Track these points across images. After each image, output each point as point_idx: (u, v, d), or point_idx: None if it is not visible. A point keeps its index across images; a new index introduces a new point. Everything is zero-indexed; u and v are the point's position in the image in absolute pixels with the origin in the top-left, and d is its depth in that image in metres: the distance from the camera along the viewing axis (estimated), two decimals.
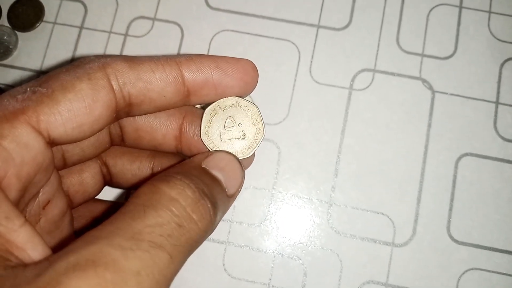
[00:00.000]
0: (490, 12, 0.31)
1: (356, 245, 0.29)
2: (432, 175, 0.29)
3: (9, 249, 0.15)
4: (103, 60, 0.18)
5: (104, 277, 0.13)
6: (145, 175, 0.24)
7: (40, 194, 0.19)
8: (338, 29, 0.32)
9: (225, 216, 0.29)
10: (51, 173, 0.18)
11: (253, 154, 0.22)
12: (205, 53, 0.31)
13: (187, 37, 0.32)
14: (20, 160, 0.16)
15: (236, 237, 0.29)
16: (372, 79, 0.31)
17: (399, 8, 0.32)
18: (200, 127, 0.21)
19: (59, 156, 0.20)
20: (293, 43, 0.31)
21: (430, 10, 0.32)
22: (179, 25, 0.32)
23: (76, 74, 0.17)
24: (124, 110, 0.19)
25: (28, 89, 0.17)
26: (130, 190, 0.29)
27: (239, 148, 0.21)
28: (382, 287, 0.28)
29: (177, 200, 0.16)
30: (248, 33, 0.32)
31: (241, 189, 0.21)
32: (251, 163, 0.23)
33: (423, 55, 0.31)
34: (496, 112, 0.30)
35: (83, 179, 0.23)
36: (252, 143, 0.21)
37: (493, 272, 0.28)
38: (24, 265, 0.15)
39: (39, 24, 0.32)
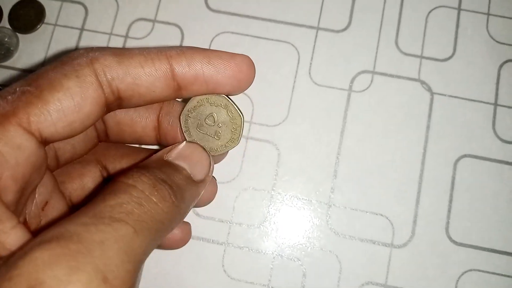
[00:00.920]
0: (488, 14, 0.32)
1: (355, 246, 0.29)
2: (431, 176, 0.29)
3: None
4: (91, 54, 0.18)
5: (67, 247, 0.14)
6: None
7: (36, 196, 0.19)
8: (338, 31, 0.32)
9: (225, 217, 0.29)
10: (45, 171, 0.19)
11: (223, 155, 0.22)
12: None
13: (187, 39, 0.32)
14: (15, 162, 0.16)
15: (235, 238, 0.29)
16: (371, 81, 0.31)
17: (398, 10, 0.32)
18: (183, 109, 0.21)
19: (52, 155, 0.21)
20: (293, 45, 0.32)
21: (429, 12, 0.32)
22: (179, 27, 0.32)
23: (63, 71, 0.17)
24: (114, 104, 0.19)
25: (18, 89, 0.17)
26: None
27: (207, 144, 0.21)
28: None
29: (134, 186, 0.17)
30: (248, 35, 0.32)
31: (211, 174, 0.21)
32: (221, 159, 0.24)
33: (422, 57, 0.31)
34: (494, 113, 0.30)
35: (84, 184, 0.23)
36: (222, 147, 0.22)
37: (492, 273, 0.28)
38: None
39: (40, 26, 0.32)
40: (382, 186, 0.29)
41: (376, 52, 0.31)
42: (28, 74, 0.32)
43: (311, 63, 0.31)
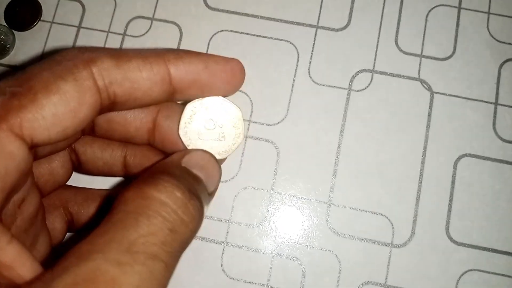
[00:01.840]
0: (489, 13, 0.31)
1: (355, 245, 0.29)
2: (431, 176, 0.29)
3: None
4: (87, 55, 0.17)
5: None
6: (117, 163, 0.23)
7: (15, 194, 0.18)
8: (337, 30, 0.32)
9: (223, 217, 0.29)
10: (30, 175, 0.18)
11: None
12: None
13: (185, 37, 0.32)
14: (4, 172, 0.15)
15: (234, 238, 0.29)
16: (371, 80, 0.31)
17: (398, 8, 0.32)
18: (179, 122, 0.21)
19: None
20: (292, 44, 0.31)
21: (429, 11, 0.32)
22: (177, 25, 0.32)
23: (60, 72, 0.16)
24: (107, 108, 0.18)
25: (7, 89, 0.16)
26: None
27: (216, 150, 0.21)
28: None
29: (167, 204, 0.16)
30: (246, 34, 0.32)
31: (217, 187, 0.20)
32: (223, 163, 0.23)
33: (422, 56, 0.31)
34: (495, 113, 0.30)
35: (53, 168, 0.22)
36: (230, 146, 0.21)
37: (492, 273, 0.28)
38: (16, 286, 0.14)
39: (36, 23, 0.32)
40: (382, 185, 0.29)
41: (376, 51, 0.31)
42: None
43: (310, 62, 0.31)
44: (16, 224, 0.18)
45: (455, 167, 0.29)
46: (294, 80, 0.31)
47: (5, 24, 0.32)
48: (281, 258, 0.29)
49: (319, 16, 0.32)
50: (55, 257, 0.16)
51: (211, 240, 0.29)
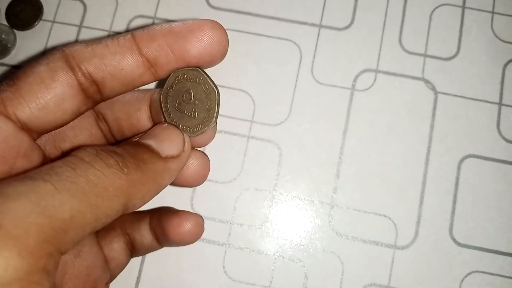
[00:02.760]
0: (493, 12, 0.31)
1: (358, 247, 0.28)
2: (434, 176, 0.29)
3: None
4: (64, 46, 0.19)
5: None
6: None
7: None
8: (340, 29, 0.31)
9: (225, 218, 0.29)
10: (39, 162, 0.19)
11: (204, 136, 0.21)
12: None
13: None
14: None
15: (236, 239, 0.29)
16: (374, 80, 0.30)
17: (402, 8, 0.31)
18: (163, 87, 0.21)
19: (51, 144, 0.21)
20: (295, 43, 0.31)
21: (433, 11, 0.31)
22: None
23: (36, 63, 0.18)
24: (92, 90, 0.19)
25: None
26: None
27: (186, 124, 0.21)
28: None
29: (75, 155, 0.17)
30: (249, 33, 0.31)
31: (187, 151, 0.20)
32: (206, 142, 0.23)
33: (425, 55, 0.31)
34: (499, 113, 0.30)
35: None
36: (198, 126, 0.20)
37: (496, 275, 0.28)
38: None
39: (37, 23, 0.32)
40: (385, 187, 0.29)
41: (379, 51, 0.31)
42: None
43: (313, 62, 0.31)
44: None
45: (459, 168, 0.29)
46: (296, 80, 0.31)
47: (6, 24, 0.32)
48: (283, 260, 0.28)
49: (322, 15, 0.32)
50: None
51: (212, 241, 0.29)
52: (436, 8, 0.31)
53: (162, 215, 0.24)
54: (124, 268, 0.25)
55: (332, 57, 0.31)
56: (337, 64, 0.31)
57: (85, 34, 0.32)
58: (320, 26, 0.31)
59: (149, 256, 0.29)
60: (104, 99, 0.20)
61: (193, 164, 0.22)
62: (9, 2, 0.32)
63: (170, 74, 0.20)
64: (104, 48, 0.19)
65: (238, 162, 0.30)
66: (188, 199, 0.29)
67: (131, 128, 0.23)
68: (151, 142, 0.19)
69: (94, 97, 0.19)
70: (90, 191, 0.15)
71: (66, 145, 0.22)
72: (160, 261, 0.29)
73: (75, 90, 0.18)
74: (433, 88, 0.30)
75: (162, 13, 0.32)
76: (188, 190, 0.29)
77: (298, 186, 0.29)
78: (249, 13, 0.32)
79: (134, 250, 0.25)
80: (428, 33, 0.31)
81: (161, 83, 0.21)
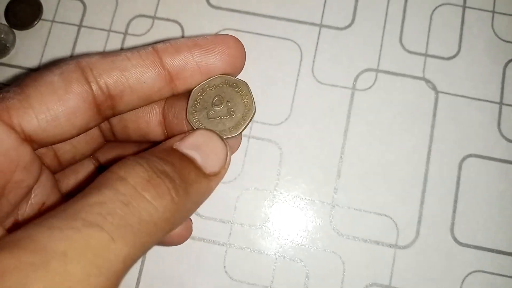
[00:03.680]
0: (493, 12, 0.31)
1: (359, 247, 0.28)
2: (435, 176, 0.29)
3: None
4: (78, 57, 0.18)
5: (19, 258, 0.12)
6: None
7: (32, 196, 0.18)
8: (341, 29, 0.31)
9: (226, 218, 0.29)
10: (38, 173, 0.18)
11: (241, 136, 0.21)
12: None
13: (187, 36, 0.31)
14: None
15: (237, 239, 0.29)
16: (375, 79, 0.30)
17: (402, 7, 0.31)
18: (187, 106, 0.20)
19: (51, 155, 0.20)
20: (295, 43, 0.31)
21: (434, 10, 0.31)
22: (179, 24, 0.32)
23: (48, 70, 0.17)
24: (107, 104, 0.18)
25: (4, 91, 0.16)
26: None
27: (226, 127, 0.20)
28: None
29: (125, 179, 0.15)
30: (249, 32, 0.31)
31: (227, 167, 0.19)
32: (238, 145, 0.22)
33: (426, 55, 0.31)
34: (500, 113, 0.30)
35: (78, 178, 0.22)
36: (240, 121, 0.20)
37: (497, 274, 0.28)
38: None
39: (37, 22, 0.32)
40: (386, 186, 0.29)
41: (380, 50, 0.31)
42: (25, 71, 0.31)
43: (314, 61, 0.31)
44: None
45: (459, 168, 0.29)
46: (297, 80, 0.31)
47: (6, 23, 0.32)
48: (284, 260, 0.28)
49: (322, 15, 0.31)
50: None
51: (213, 241, 0.29)
52: (437, 7, 0.31)
53: None
54: None
55: (333, 57, 0.31)
56: (337, 63, 0.31)
57: (85, 34, 0.32)
58: (321, 25, 0.31)
59: (149, 256, 0.29)
60: (115, 115, 0.19)
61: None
62: (9, 2, 0.32)
63: (192, 89, 0.20)
64: (125, 60, 0.18)
65: (239, 162, 0.29)
66: None
67: (138, 131, 0.21)
68: (195, 156, 0.18)
69: (106, 112, 0.18)
70: (141, 231, 0.14)
71: (58, 145, 0.20)
72: (161, 261, 0.29)
73: (88, 104, 0.17)
74: (434, 88, 0.30)
75: (163, 13, 0.32)
76: None
77: (299, 185, 0.29)
78: (249, 12, 0.32)
79: None
80: (429, 32, 0.31)
81: None
